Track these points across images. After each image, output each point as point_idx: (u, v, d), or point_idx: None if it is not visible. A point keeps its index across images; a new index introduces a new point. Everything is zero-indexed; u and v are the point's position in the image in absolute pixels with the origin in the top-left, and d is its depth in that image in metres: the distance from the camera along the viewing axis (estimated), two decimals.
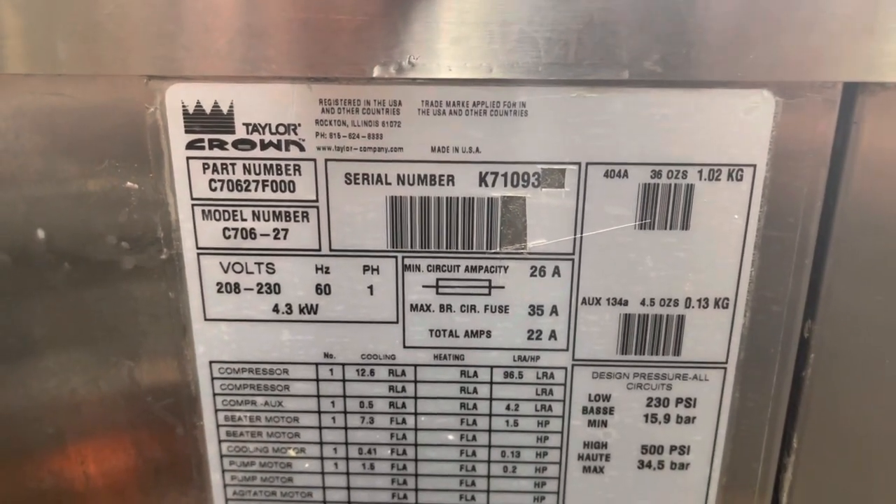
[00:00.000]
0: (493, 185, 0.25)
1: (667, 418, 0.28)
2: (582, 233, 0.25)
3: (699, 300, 0.26)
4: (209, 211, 0.25)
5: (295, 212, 0.25)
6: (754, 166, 0.24)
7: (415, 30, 0.23)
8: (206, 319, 0.27)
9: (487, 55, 0.23)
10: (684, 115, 0.24)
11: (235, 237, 0.26)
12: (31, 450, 0.29)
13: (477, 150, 0.24)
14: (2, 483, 0.30)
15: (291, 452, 0.29)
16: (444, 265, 0.26)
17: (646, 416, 0.28)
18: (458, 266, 0.26)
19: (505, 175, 0.25)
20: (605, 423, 0.28)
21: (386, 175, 0.25)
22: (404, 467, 0.29)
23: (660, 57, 0.23)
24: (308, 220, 0.25)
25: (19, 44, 0.23)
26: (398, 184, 0.25)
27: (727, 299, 0.26)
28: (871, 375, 0.27)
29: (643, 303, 0.26)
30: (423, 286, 0.26)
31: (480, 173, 0.25)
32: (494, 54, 0.23)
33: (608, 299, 0.26)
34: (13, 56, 0.23)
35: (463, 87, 0.24)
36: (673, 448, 0.28)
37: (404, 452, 0.28)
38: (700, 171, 0.24)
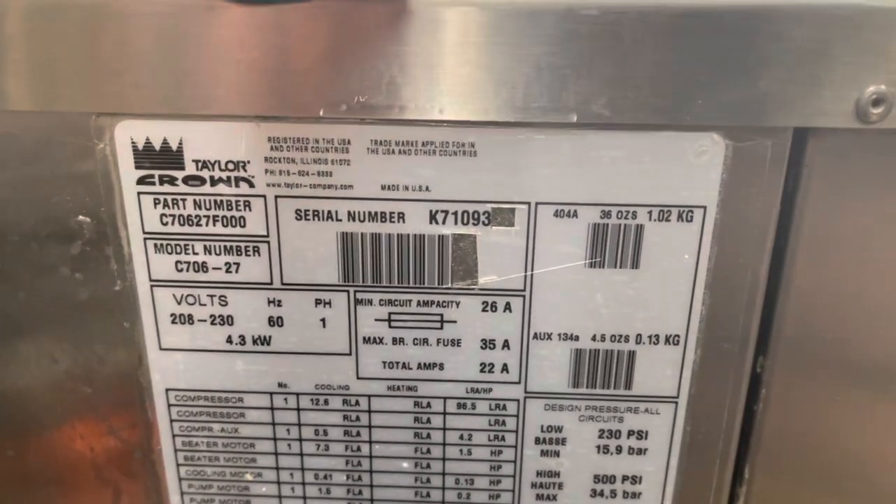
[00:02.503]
0: (444, 222, 0.25)
1: (619, 449, 0.28)
2: (532, 270, 0.25)
3: (650, 337, 0.26)
4: (161, 245, 0.25)
5: (246, 246, 0.25)
6: (704, 208, 0.24)
7: (364, 71, 0.23)
8: (161, 349, 0.27)
9: (436, 97, 0.23)
10: (633, 157, 0.24)
11: (188, 270, 0.26)
12: None
13: (427, 188, 0.24)
14: None
15: (249, 477, 0.29)
16: (396, 300, 0.26)
17: (598, 447, 0.28)
18: (410, 301, 0.26)
19: (455, 213, 0.25)
20: (557, 454, 0.28)
21: (336, 212, 0.25)
22: (360, 493, 0.29)
23: (607, 101, 0.23)
24: (259, 255, 0.25)
25: None
26: (349, 220, 0.25)
27: (678, 336, 0.26)
28: (821, 410, 0.27)
29: (594, 338, 0.26)
30: (376, 319, 0.26)
31: (431, 211, 0.25)
32: (443, 96, 0.23)
33: (559, 334, 0.26)
34: None
35: (412, 128, 0.24)
36: (625, 478, 0.28)
37: (360, 479, 0.29)
38: (650, 212, 0.24)
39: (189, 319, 0.26)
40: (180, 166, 0.24)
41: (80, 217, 0.25)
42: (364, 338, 0.26)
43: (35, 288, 0.26)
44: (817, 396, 0.27)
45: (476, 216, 0.25)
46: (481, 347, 0.26)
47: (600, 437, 0.28)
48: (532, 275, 0.25)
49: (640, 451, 0.28)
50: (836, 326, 0.26)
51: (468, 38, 0.22)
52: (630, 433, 0.28)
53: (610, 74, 0.23)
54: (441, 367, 0.27)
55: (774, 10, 0.22)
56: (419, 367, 0.27)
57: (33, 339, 0.27)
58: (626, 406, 0.27)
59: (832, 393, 0.27)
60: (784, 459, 0.28)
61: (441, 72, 0.23)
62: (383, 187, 0.24)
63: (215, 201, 0.25)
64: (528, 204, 0.24)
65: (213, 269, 0.26)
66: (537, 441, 0.28)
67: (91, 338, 0.27)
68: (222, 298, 0.26)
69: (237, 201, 0.25)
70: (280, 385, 0.27)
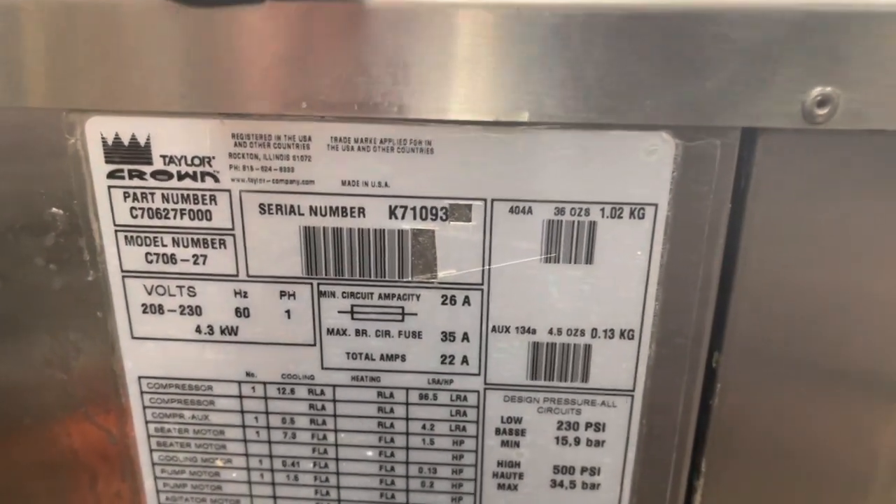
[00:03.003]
0: (403, 217, 0.26)
1: (577, 441, 0.28)
2: (490, 264, 0.26)
3: (605, 331, 0.27)
4: (131, 237, 0.26)
5: (213, 239, 0.26)
6: (656, 205, 0.25)
7: (321, 69, 0.23)
8: (133, 338, 0.28)
9: (393, 95, 0.24)
10: (585, 155, 0.24)
11: (157, 262, 0.27)
12: None
13: (386, 184, 0.25)
14: None
15: (219, 462, 0.30)
16: (358, 292, 0.27)
17: (557, 438, 0.28)
18: (372, 293, 0.27)
19: (414, 209, 0.25)
20: (517, 444, 0.29)
21: (299, 206, 0.26)
22: (326, 480, 0.30)
23: (558, 101, 0.23)
24: (225, 247, 0.26)
25: None
26: (311, 214, 0.26)
27: (632, 331, 0.27)
28: (776, 404, 0.28)
29: (551, 332, 0.27)
30: (339, 311, 0.27)
31: (390, 206, 0.25)
32: (400, 95, 0.24)
33: (517, 328, 0.27)
34: None
35: (370, 125, 0.24)
36: (584, 469, 0.29)
37: (326, 466, 0.30)
38: (602, 209, 0.25)
39: (159, 309, 0.27)
40: (148, 161, 0.25)
41: (54, 209, 0.26)
42: (328, 329, 0.27)
43: (11, 278, 0.27)
44: (772, 391, 0.27)
45: (434, 212, 0.25)
46: (441, 340, 0.27)
47: (559, 428, 0.28)
48: (489, 269, 0.26)
49: (598, 443, 0.28)
50: (788, 322, 0.26)
51: (423, 38, 0.23)
52: (588, 425, 0.28)
53: (561, 75, 0.23)
54: (403, 358, 0.28)
55: (720, 12, 0.22)
56: (381, 358, 0.28)
57: (10, 328, 0.28)
58: (583, 398, 0.28)
59: (786, 387, 0.27)
60: (740, 452, 0.28)
61: (397, 71, 0.23)
62: (344, 183, 0.25)
63: (182, 195, 0.26)
64: (485, 200, 0.25)
65: (182, 260, 0.27)
66: (497, 432, 0.29)
67: (66, 327, 0.28)
68: (191, 289, 0.27)
69: (203, 195, 0.26)
70: (248, 374, 0.28)
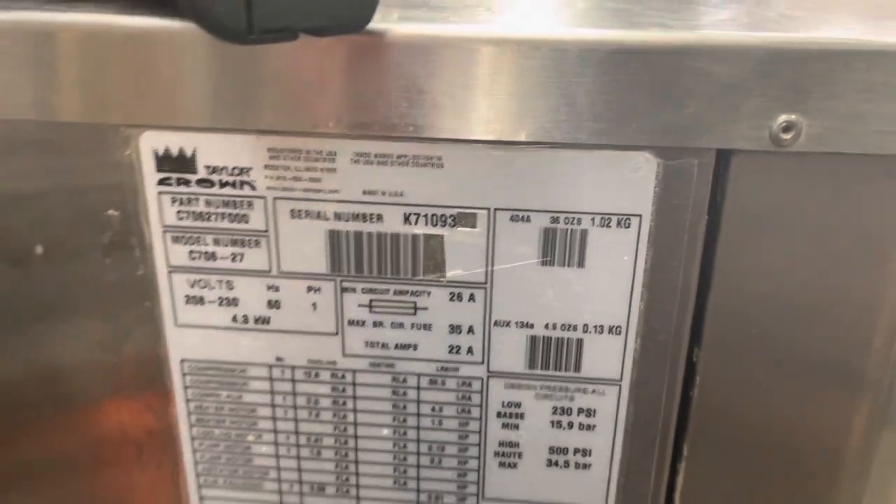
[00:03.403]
0: (416, 223, 0.29)
1: (570, 425, 0.32)
2: (492, 266, 0.29)
3: (595, 327, 0.30)
4: (177, 236, 0.30)
5: (249, 239, 0.30)
6: (640, 216, 0.28)
7: (348, 93, 0.27)
8: (176, 325, 0.31)
9: (409, 117, 0.27)
10: (578, 171, 0.28)
11: (200, 259, 0.30)
12: (27, 422, 0.34)
13: (401, 194, 0.29)
14: None
15: (250, 438, 0.33)
16: (376, 288, 0.30)
17: (552, 422, 0.32)
18: (388, 290, 0.30)
19: (426, 216, 0.29)
20: (517, 427, 0.32)
21: (325, 212, 0.29)
22: (346, 455, 0.33)
23: (554, 123, 0.27)
24: (260, 247, 0.30)
25: (26, 94, 0.28)
26: (335, 220, 0.29)
27: (620, 327, 0.30)
28: (750, 395, 0.31)
29: (546, 327, 0.30)
30: (359, 305, 0.30)
31: (405, 213, 0.29)
32: (415, 116, 0.27)
33: (516, 322, 0.30)
34: (20, 105, 0.28)
35: (388, 142, 0.28)
36: (577, 450, 0.32)
37: (346, 443, 0.33)
38: (593, 219, 0.28)
39: (200, 301, 0.31)
40: (194, 170, 0.29)
41: (110, 211, 0.30)
42: (349, 320, 0.31)
43: (71, 271, 0.31)
44: (746, 383, 0.31)
45: (443, 219, 0.29)
46: (449, 332, 0.31)
47: (554, 413, 0.32)
48: (492, 270, 0.29)
49: (590, 428, 0.32)
50: (760, 321, 0.29)
51: (436, 67, 0.26)
52: (580, 411, 0.31)
53: (556, 101, 0.26)
54: (415, 347, 0.31)
55: (698, 49, 0.26)
56: (396, 347, 0.31)
57: (69, 315, 0.32)
58: (575, 387, 0.31)
59: (759, 380, 0.30)
60: (718, 438, 0.32)
61: (412, 96, 0.27)
62: (364, 192, 0.29)
63: (223, 201, 0.29)
64: (488, 209, 0.28)
65: (221, 258, 0.30)
66: (499, 415, 0.32)
67: (118, 315, 0.32)
68: (229, 283, 0.31)
69: (241, 201, 0.29)
70: (277, 359, 0.32)
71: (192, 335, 0.32)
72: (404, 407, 0.32)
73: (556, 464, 0.33)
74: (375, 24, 0.25)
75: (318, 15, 0.23)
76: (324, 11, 0.24)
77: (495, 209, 0.28)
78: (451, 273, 0.30)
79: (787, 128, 0.26)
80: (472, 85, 0.26)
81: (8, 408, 0.34)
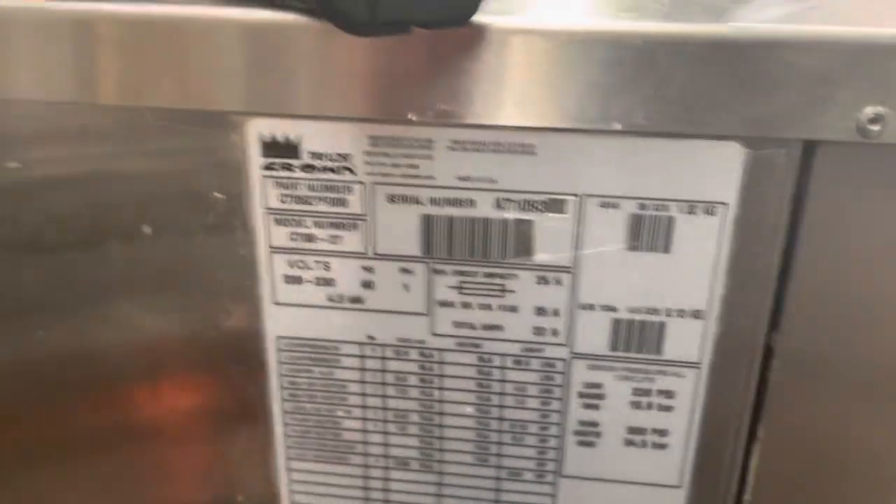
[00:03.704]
0: (507, 208, 0.30)
1: (649, 406, 0.33)
2: (580, 250, 0.31)
3: (678, 311, 0.31)
4: (279, 219, 0.32)
5: (346, 223, 0.31)
6: (726, 204, 0.29)
7: (446, 84, 0.28)
8: (274, 303, 0.33)
9: (503, 107, 0.28)
10: (667, 160, 0.29)
11: (299, 240, 0.32)
12: (125, 387, 0.36)
13: (494, 180, 0.30)
14: (91, 412, 0.37)
15: (340, 413, 0.35)
16: (465, 271, 0.32)
17: (631, 402, 0.33)
18: (477, 272, 0.31)
19: (517, 202, 0.30)
20: (597, 407, 0.33)
21: (420, 197, 0.30)
22: (431, 431, 0.35)
23: (645, 113, 0.28)
24: (357, 230, 0.31)
25: (134, 80, 0.30)
26: (430, 204, 0.31)
27: (701, 311, 0.31)
28: (826, 379, 0.32)
29: (630, 310, 0.31)
30: (448, 286, 0.32)
31: (497, 199, 0.30)
32: (510, 106, 0.28)
33: (601, 305, 0.31)
34: (126, 90, 0.30)
35: (484, 130, 0.29)
36: (654, 431, 0.33)
37: (431, 419, 0.35)
38: (680, 206, 0.29)
39: (298, 280, 0.33)
40: (298, 156, 0.30)
41: (216, 193, 0.32)
42: (439, 301, 0.32)
43: (177, 249, 0.33)
44: (822, 369, 0.31)
45: (534, 204, 0.30)
46: (535, 314, 0.32)
47: (634, 394, 0.33)
48: (579, 254, 0.31)
49: (668, 409, 0.33)
50: (839, 310, 0.30)
51: (532, 59, 0.28)
52: (659, 392, 0.33)
53: (648, 92, 0.27)
54: (501, 328, 0.32)
55: (786, 41, 0.27)
56: (483, 327, 0.32)
57: (174, 291, 0.34)
58: (656, 369, 0.32)
59: (835, 367, 0.31)
60: (792, 422, 0.32)
61: (509, 86, 0.28)
62: (458, 178, 0.30)
63: (324, 185, 0.31)
64: (578, 196, 0.30)
65: (320, 240, 0.32)
66: (580, 395, 0.33)
67: (219, 292, 0.33)
68: (326, 264, 0.32)
69: (341, 186, 0.31)
70: (369, 337, 0.33)
71: (288, 313, 0.33)
72: (488, 386, 0.34)
73: (634, 443, 0.34)
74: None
75: (430, 8, 0.25)
76: (435, 5, 0.25)
77: (585, 195, 0.30)
78: (540, 257, 0.31)
79: (875, 119, 0.27)
80: (566, 76, 0.28)
81: (110, 376, 0.36)
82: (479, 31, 0.27)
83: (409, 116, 0.29)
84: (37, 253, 0.34)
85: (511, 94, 0.28)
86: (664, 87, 0.27)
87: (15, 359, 0.36)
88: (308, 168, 0.31)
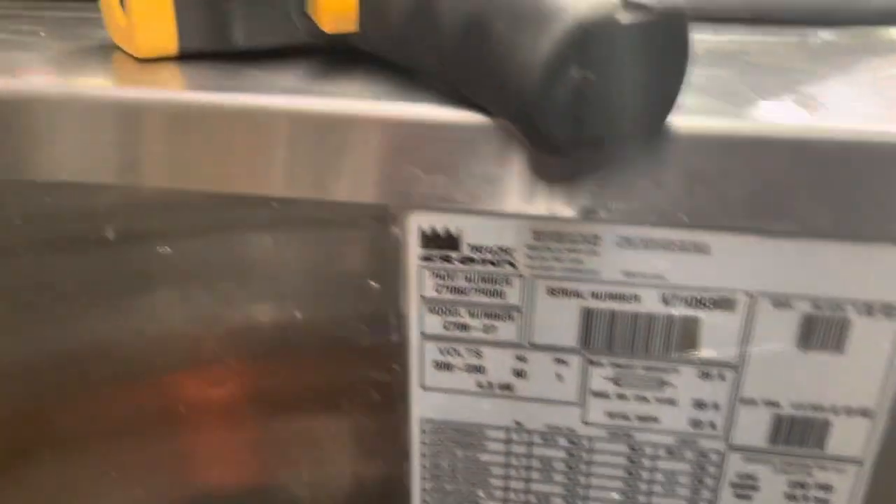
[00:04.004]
0: (674, 305, 0.29)
1: (805, 498, 0.32)
2: (747, 348, 0.30)
3: (845, 408, 0.30)
4: (433, 308, 0.31)
5: (502, 313, 0.31)
6: None
7: (618, 184, 0.27)
8: (422, 388, 0.33)
9: (679, 206, 0.27)
10: (845, 261, 0.28)
11: (452, 329, 0.31)
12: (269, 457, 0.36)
13: (662, 276, 0.29)
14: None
15: (480, 493, 0.35)
16: (624, 363, 0.31)
17: (786, 494, 0.32)
18: (637, 366, 0.31)
19: (685, 298, 0.29)
20: (749, 498, 0.33)
21: (582, 291, 0.30)
22: None
23: (828, 219, 0.27)
24: (513, 320, 0.31)
25: (299, 172, 0.29)
26: (592, 298, 0.30)
27: (870, 409, 0.30)
28: None
29: (794, 406, 0.30)
30: (604, 378, 0.31)
31: (663, 294, 0.29)
32: (684, 205, 0.27)
33: (764, 401, 0.31)
34: (289, 181, 0.29)
35: (657, 228, 0.28)
36: None
37: (574, 503, 0.34)
38: (856, 307, 0.28)
39: (448, 367, 0.32)
40: (457, 248, 0.30)
41: (371, 281, 0.31)
42: (593, 391, 0.32)
43: (329, 334, 0.32)
44: None
45: (703, 301, 0.29)
46: (693, 407, 0.31)
47: (789, 486, 0.32)
48: (746, 352, 0.30)
49: (824, 502, 0.32)
50: None
51: (708, 163, 0.27)
52: (817, 486, 0.32)
53: (832, 196, 0.27)
54: (656, 420, 0.32)
55: None
56: (637, 418, 0.32)
57: (325, 371, 0.33)
58: (815, 463, 0.31)
59: None
60: None
61: (694, 188, 0.27)
62: (624, 273, 0.29)
63: (482, 277, 0.30)
64: (749, 294, 0.29)
65: (474, 329, 0.31)
66: (732, 485, 0.32)
67: (367, 376, 0.33)
68: (478, 352, 0.32)
69: (500, 278, 0.30)
70: (516, 423, 0.33)
71: (435, 397, 0.33)
72: (637, 474, 0.33)
73: None
74: None
75: (627, 121, 0.24)
76: (632, 117, 0.24)
77: (757, 294, 0.29)
78: (704, 353, 0.30)
79: None
80: (746, 180, 0.27)
81: (245, 455, 0.36)
82: (665, 134, 0.27)
83: (580, 215, 0.28)
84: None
85: (695, 196, 0.27)
86: (850, 192, 0.26)
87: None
88: (467, 260, 0.30)
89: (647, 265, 0.29)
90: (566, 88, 0.22)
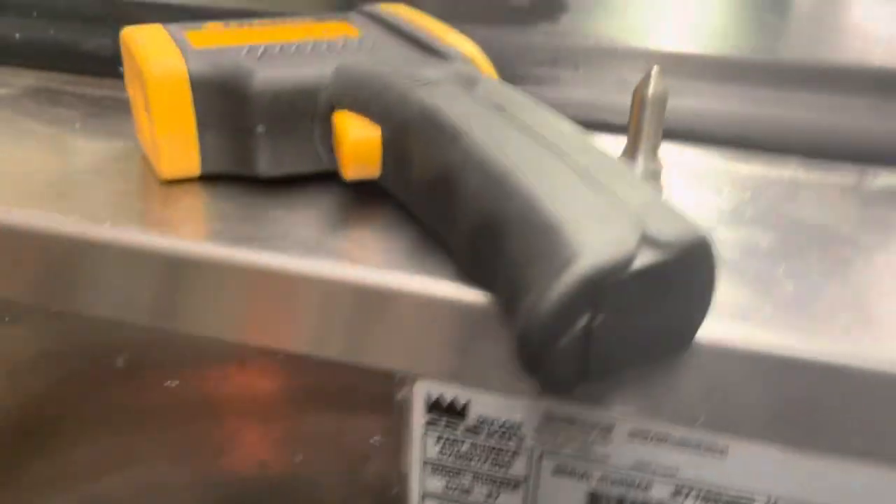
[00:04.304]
0: (687, 498, 0.28)
1: None
2: None
3: None
4: (437, 469, 0.30)
5: (507, 483, 0.30)
6: None
7: (632, 380, 0.26)
8: None
9: (696, 410, 0.26)
10: (872, 484, 0.26)
11: (455, 492, 0.30)
12: None
13: (675, 471, 0.28)
14: None
15: None
16: None
17: None
18: None
19: (698, 493, 0.28)
20: None
21: (590, 474, 0.28)
22: None
23: (857, 440, 0.25)
24: (517, 491, 0.30)
25: (307, 331, 0.28)
26: (599, 482, 0.28)
27: None
28: None
29: None
30: None
31: (676, 486, 0.28)
32: (702, 410, 0.26)
33: None
34: (308, 339, 0.29)
35: (672, 425, 0.27)
36: None
37: None
38: None
39: None
40: (464, 417, 0.29)
41: (374, 440, 0.30)
42: None
43: (328, 486, 0.32)
44: None
45: (717, 498, 0.28)
46: None
47: None
48: None
49: None
50: None
51: (728, 375, 0.25)
52: None
53: (863, 420, 0.25)
54: None
55: None
56: None
57: None
58: None
59: None
60: None
61: (711, 394, 0.25)
62: (636, 463, 0.28)
63: (489, 448, 0.29)
64: (769, 496, 0.27)
65: (476, 493, 0.30)
66: None
67: None
68: None
69: (507, 450, 0.29)
70: None
71: None
72: None
73: None
74: None
75: (637, 360, 0.23)
76: (648, 352, 0.23)
77: (775, 499, 0.27)
78: None
79: None
80: (774, 396, 0.25)
81: None
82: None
83: (592, 404, 0.27)
84: None
85: (711, 402, 0.26)
86: (886, 417, 0.25)
87: None
88: (474, 430, 0.29)
89: (660, 458, 0.28)
90: (573, 335, 0.20)
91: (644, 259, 0.20)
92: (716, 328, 0.25)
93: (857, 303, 0.27)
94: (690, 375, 0.26)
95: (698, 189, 0.35)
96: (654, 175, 0.31)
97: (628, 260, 0.20)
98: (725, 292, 0.27)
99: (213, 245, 0.28)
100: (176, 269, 0.29)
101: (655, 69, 0.31)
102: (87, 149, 0.36)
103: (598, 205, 0.22)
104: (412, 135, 0.28)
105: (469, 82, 0.30)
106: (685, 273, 0.22)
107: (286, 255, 0.28)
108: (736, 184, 0.35)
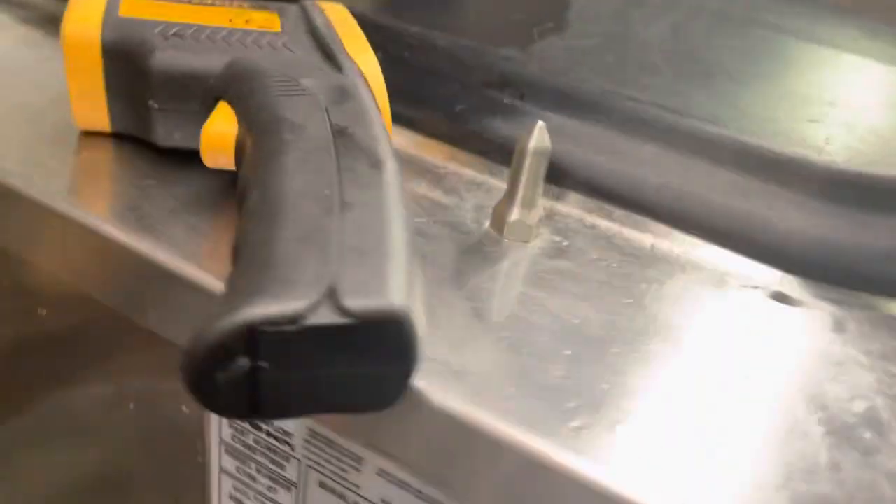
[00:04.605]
0: None
1: None
2: None
3: None
4: (229, 451, 0.32)
5: (282, 482, 0.31)
6: None
7: (386, 428, 0.27)
8: None
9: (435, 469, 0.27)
10: None
11: (243, 475, 0.32)
12: None
13: None
14: None
15: None
16: None
17: None
18: None
19: None
20: None
21: (348, 497, 0.30)
22: None
23: None
24: (290, 492, 0.31)
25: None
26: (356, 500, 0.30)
27: None
28: None
29: None
30: None
31: None
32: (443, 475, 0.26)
33: None
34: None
35: (412, 476, 0.28)
36: None
37: None
38: None
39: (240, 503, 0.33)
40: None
41: (184, 407, 0.33)
42: None
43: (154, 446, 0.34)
44: None
45: None
46: None
47: None
48: None
49: None
50: None
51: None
52: None
53: None
54: None
55: None
56: None
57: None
58: None
59: None
60: None
61: (445, 456, 0.26)
62: (383, 499, 0.29)
63: (267, 446, 0.31)
64: None
65: (259, 483, 0.32)
66: None
67: (174, 488, 0.35)
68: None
69: (281, 453, 0.31)
70: None
71: None
72: None
73: None
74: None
75: (327, 406, 0.23)
76: (335, 403, 0.23)
77: None
78: None
79: None
80: None
81: None
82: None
83: (343, 433, 0.28)
84: None
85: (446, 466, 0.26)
86: None
87: None
88: (257, 426, 0.31)
89: (403, 501, 0.28)
90: (233, 373, 0.21)
91: (316, 319, 0.21)
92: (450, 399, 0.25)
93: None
94: (435, 430, 0.26)
95: None
96: (521, 225, 0.31)
97: (294, 318, 0.21)
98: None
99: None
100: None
101: (540, 124, 0.31)
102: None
103: (309, 262, 0.23)
104: (251, 138, 0.29)
105: (338, 99, 0.31)
106: (373, 339, 0.22)
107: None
108: None
